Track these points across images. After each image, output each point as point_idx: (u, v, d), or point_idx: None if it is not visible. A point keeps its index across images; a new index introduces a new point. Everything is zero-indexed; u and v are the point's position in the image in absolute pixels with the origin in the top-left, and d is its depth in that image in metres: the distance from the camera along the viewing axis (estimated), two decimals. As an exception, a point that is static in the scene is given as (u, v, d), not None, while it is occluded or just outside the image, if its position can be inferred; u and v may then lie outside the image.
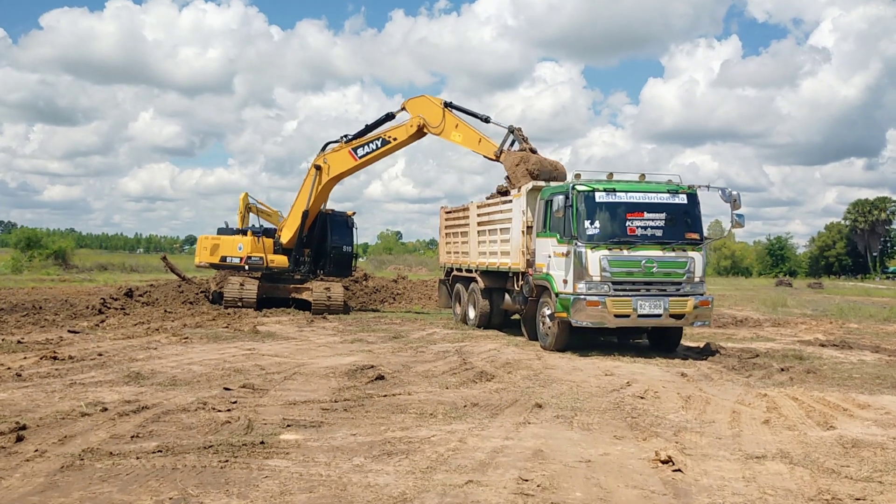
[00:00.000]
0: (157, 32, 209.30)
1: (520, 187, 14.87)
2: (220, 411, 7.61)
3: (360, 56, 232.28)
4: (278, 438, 6.57)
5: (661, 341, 13.82)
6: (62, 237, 70.29)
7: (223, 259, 21.37)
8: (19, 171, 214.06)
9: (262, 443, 6.36)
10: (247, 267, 20.95)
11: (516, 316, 17.19)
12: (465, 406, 8.11)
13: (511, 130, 17.12)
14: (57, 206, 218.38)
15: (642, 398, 8.78)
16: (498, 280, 16.34)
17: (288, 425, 7.07)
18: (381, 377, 9.77)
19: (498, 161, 17.02)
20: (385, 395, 8.65)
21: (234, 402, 8.03)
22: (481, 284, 16.65)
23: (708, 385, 9.99)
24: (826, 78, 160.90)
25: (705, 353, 13.40)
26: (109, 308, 19.49)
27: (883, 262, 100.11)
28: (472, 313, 17.46)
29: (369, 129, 20.03)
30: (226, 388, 8.77)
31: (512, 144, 16.98)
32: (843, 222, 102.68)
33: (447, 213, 19.71)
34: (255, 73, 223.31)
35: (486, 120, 18.28)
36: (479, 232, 16.93)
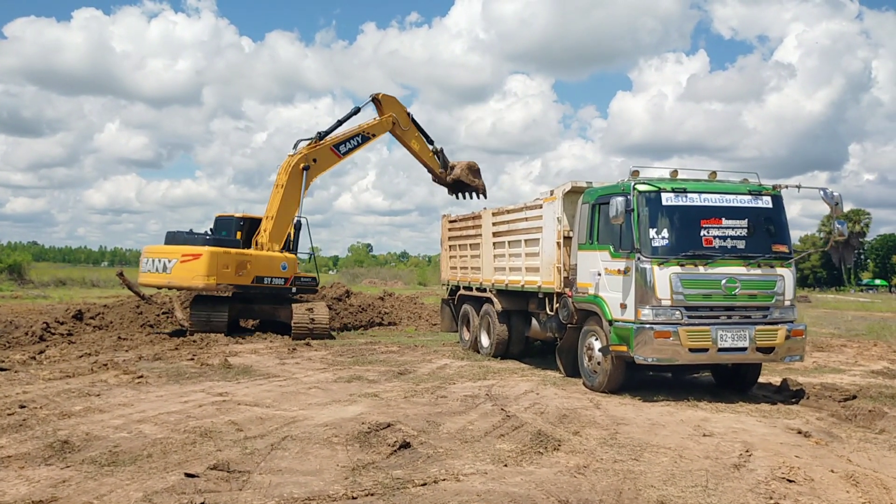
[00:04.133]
0: (125, 44, 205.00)
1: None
2: (178, 526, 4.86)
3: (331, 68, 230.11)
4: None
5: (733, 379, 11.15)
6: (19, 250, 66.44)
7: (258, 280, 17.34)
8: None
9: None
10: (294, 289, 18.14)
11: (537, 342, 14.62)
12: (551, 506, 5.44)
13: (436, 153, 20.30)
14: (20, 219, 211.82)
15: (791, 481, 6.17)
16: (519, 301, 13.69)
17: (289, 559, 4.34)
18: (406, 444, 7.05)
19: (444, 182, 20.32)
20: (424, 484, 5.92)
21: (202, 504, 5.28)
22: (498, 307, 13.95)
23: (847, 450, 7.41)
24: (791, 93, 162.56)
25: (785, 392, 10.85)
26: (53, 334, 16.51)
27: (857, 274, 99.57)
28: (485, 340, 14.74)
29: (340, 123, 19.43)
30: (188, 475, 5.98)
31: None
32: (817, 235, 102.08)
33: (451, 221, 16.96)
34: (224, 85, 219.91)
35: (431, 143, 20.48)
36: (495, 244, 14.24)
